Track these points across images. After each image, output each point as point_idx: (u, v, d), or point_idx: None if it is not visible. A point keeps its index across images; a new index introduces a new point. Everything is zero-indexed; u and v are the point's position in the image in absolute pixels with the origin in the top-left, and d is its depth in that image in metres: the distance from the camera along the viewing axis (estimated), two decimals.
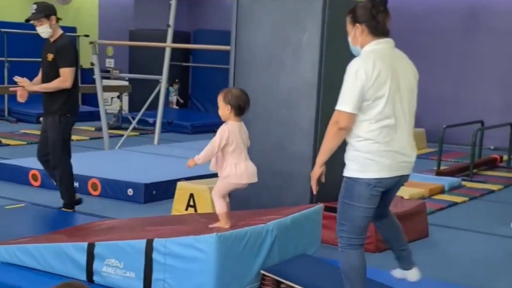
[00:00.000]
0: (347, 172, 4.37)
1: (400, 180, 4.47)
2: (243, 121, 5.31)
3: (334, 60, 6.56)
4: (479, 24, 15.30)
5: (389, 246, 4.92)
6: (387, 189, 4.39)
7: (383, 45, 4.41)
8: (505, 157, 12.64)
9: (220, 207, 5.26)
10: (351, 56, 6.82)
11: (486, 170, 11.86)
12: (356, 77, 4.22)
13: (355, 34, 4.43)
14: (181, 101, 18.40)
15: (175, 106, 18.13)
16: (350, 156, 4.35)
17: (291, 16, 6.60)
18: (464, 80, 15.53)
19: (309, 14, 6.49)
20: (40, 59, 7.60)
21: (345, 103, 4.25)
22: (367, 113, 4.26)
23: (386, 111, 4.25)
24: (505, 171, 11.78)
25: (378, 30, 4.39)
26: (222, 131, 5.21)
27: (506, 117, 13.92)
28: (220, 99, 5.18)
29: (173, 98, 18.20)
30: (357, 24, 4.40)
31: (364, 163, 4.28)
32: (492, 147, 14.38)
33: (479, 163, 11.82)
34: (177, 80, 18.10)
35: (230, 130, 5.18)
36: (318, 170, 4.45)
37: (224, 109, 5.22)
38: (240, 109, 5.20)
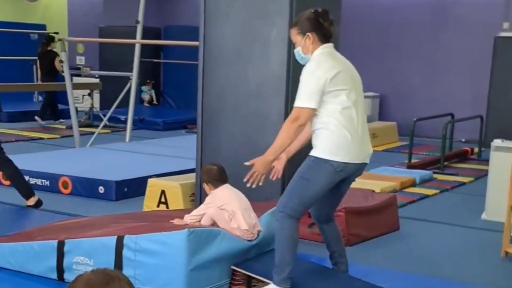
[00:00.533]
0: (317, 152, 4.58)
1: (361, 168, 4.76)
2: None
3: None
4: (448, 17, 15.40)
5: (329, 251, 5.18)
6: (347, 176, 4.68)
7: (330, 48, 4.73)
8: (476, 150, 12.72)
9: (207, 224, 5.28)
10: None
11: (457, 162, 11.94)
12: (313, 75, 4.51)
13: (306, 43, 4.70)
14: (155, 102, 18.31)
15: (146, 104, 18.05)
16: (322, 138, 4.57)
17: (259, 11, 6.60)
18: (434, 73, 15.62)
19: (277, 9, 6.49)
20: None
21: (306, 99, 4.49)
22: (335, 101, 4.53)
23: (348, 103, 4.56)
24: (476, 163, 11.86)
25: (326, 37, 4.70)
26: (208, 197, 5.40)
27: (476, 109, 14.02)
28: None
29: (146, 96, 18.11)
30: (308, 34, 4.67)
31: (336, 146, 4.53)
32: (463, 140, 14.50)
33: (450, 155, 11.90)
34: (148, 81, 18.04)
35: (218, 195, 5.32)
36: (268, 166, 4.67)
37: (206, 189, 5.45)
38: (214, 179, 5.36)
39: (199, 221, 5.27)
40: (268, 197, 6.20)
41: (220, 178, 5.37)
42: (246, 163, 4.74)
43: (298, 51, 4.76)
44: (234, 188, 5.36)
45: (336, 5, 7.18)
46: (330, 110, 4.54)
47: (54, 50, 15.58)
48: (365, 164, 4.80)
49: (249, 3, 6.67)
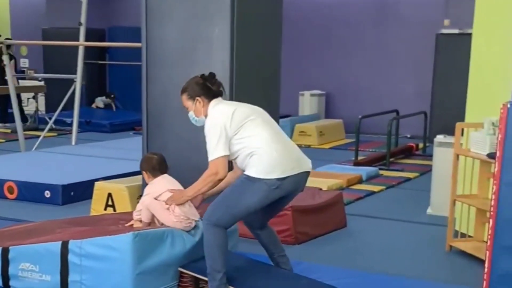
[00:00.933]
0: (250, 172, 4.68)
1: (302, 180, 4.88)
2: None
3: (245, 55, 6.62)
4: (390, 14, 15.56)
5: (268, 253, 5.26)
6: (285, 194, 4.79)
7: (219, 100, 4.93)
8: (421, 145, 12.88)
9: (146, 216, 5.25)
10: (261, 50, 6.92)
11: (403, 158, 12.07)
12: (212, 127, 4.70)
13: (197, 107, 4.93)
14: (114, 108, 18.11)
15: (94, 106, 17.85)
16: (253, 162, 4.69)
17: (201, 11, 6.58)
18: (379, 70, 15.77)
19: (218, 9, 6.48)
20: None
21: (214, 151, 4.68)
22: (247, 135, 4.72)
23: (260, 128, 4.75)
24: (421, 159, 12.00)
25: (215, 96, 4.92)
26: (147, 187, 5.37)
27: (420, 105, 14.18)
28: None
29: (99, 103, 17.87)
30: (197, 98, 4.90)
31: (269, 165, 4.66)
32: (408, 136, 14.66)
33: (395, 151, 12.03)
34: (113, 96, 17.90)
35: (155, 185, 5.28)
36: (184, 201, 5.05)
37: (145, 177, 5.40)
38: (153, 169, 5.31)
39: None
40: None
41: (159, 168, 5.31)
42: (166, 202, 5.08)
43: (191, 115, 4.99)
44: (172, 178, 5.32)
45: (278, 2, 7.20)
46: (248, 143, 4.69)
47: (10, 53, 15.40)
48: (306, 173, 4.86)
49: (190, 4, 6.64)
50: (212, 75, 4.98)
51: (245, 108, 4.87)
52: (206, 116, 4.86)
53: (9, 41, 12.55)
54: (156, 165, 5.31)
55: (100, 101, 17.82)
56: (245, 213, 4.76)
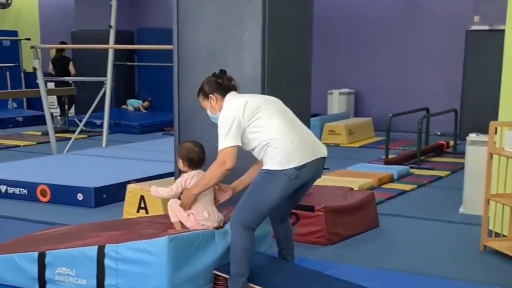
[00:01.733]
0: (268, 166, 4.73)
1: (319, 165, 4.93)
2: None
3: (276, 56, 6.62)
4: (419, 11, 15.49)
5: (279, 248, 5.32)
6: (303, 183, 4.83)
7: (233, 94, 5.01)
8: (451, 143, 12.81)
9: (174, 216, 5.28)
10: (292, 51, 6.92)
11: (433, 156, 12.01)
12: (226, 119, 4.79)
13: (212, 104, 5.03)
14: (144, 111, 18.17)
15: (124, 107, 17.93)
16: (270, 155, 4.73)
17: (232, 14, 6.60)
18: (408, 68, 15.71)
19: (249, 12, 6.49)
20: None
21: (224, 141, 4.74)
22: (261, 126, 4.78)
23: (273, 119, 4.81)
24: (452, 157, 11.94)
25: (227, 91, 5.00)
26: (178, 179, 5.34)
27: (450, 102, 14.10)
28: (201, 100, 5.16)
29: (130, 107, 17.94)
30: (211, 95, 5.01)
31: (285, 156, 4.70)
32: (438, 133, 14.59)
33: (426, 150, 11.97)
34: (149, 99, 18.01)
35: (186, 178, 5.26)
36: (192, 198, 5.11)
37: (179, 163, 5.35)
38: (191, 161, 5.28)
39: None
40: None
41: (198, 162, 5.30)
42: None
43: (209, 113, 5.09)
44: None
45: (308, 2, 7.20)
46: (263, 135, 4.75)
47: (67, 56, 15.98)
48: (323, 159, 4.94)
49: (221, 7, 6.67)
50: (222, 71, 5.09)
51: (257, 99, 4.97)
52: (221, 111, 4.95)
53: (41, 46, 12.62)
54: (196, 159, 5.29)
55: (130, 105, 17.89)
56: (271, 209, 4.80)
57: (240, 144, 4.77)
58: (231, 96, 4.97)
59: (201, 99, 5.10)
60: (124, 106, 17.87)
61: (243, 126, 4.76)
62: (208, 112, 5.08)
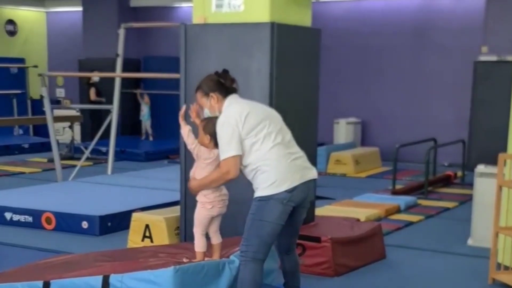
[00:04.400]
0: (260, 193, 4.74)
1: (309, 188, 4.91)
2: None
3: (284, 87, 6.61)
4: (428, 42, 15.50)
5: (285, 279, 5.26)
6: (296, 205, 4.79)
7: (234, 98, 4.98)
8: (459, 173, 12.75)
9: (200, 245, 5.20)
10: (299, 81, 6.91)
11: (441, 187, 11.95)
12: (225, 125, 4.72)
13: (211, 103, 4.99)
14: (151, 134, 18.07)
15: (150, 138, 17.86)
16: (260, 180, 4.74)
17: (240, 44, 6.60)
18: (416, 98, 15.69)
19: (257, 41, 6.50)
20: None
21: (226, 150, 4.71)
22: (256, 145, 4.74)
23: (269, 138, 4.77)
24: (460, 188, 11.88)
25: (228, 93, 4.97)
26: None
27: (458, 133, 14.09)
28: (200, 128, 5.12)
29: (147, 125, 17.89)
30: (211, 94, 4.96)
31: (275, 181, 4.71)
32: (446, 164, 14.53)
33: (433, 180, 11.91)
34: (144, 95, 17.92)
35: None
36: (194, 192, 5.15)
37: (203, 138, 5.14)
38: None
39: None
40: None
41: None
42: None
43: (206, 112, 5.04)
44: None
45: (316, 33, 7.20)
46: (254, 157, 4.74)
47: (92, 82, 16.27)
48: (313, 181, 4.94)
49: (229, 36, 6.67)
50: (225, 71, 5.07)
51: (259, 111, 4.91)
52: (220, 113, 4.91)
53: (49, 73, 12.65)
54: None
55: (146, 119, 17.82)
56: (273, 235, 4.77)
57: (241, 153, 4.75)
58: (232, 100, 4.94)
59: (199, 96, 5.05)
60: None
61: (242, 137, 4.74)
62: (206, 111, 5.04)
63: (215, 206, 5.13)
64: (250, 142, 4.73)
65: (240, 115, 4.75)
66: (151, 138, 17.67)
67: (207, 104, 5.00)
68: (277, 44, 6.48)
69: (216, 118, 4.97)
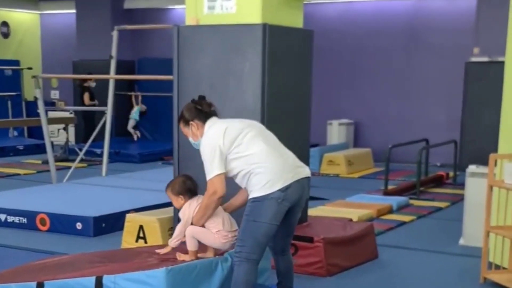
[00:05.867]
0: (254, 194, 4.79)
1: (303, 186, 4.94)
2: None
3: (276, 88, 6.65)
4: (419, 43, 15.55)
5: (278, 279, 5.31)
6: (291, 205, 4.84)
7: (213, 120, 5.05)
8: (451, 174, 12.81)
9: (192, 244, 5.22)
10: (292, 83, 6.95)
11: (433, 187, 12.01)
12: (207, 146, 4.84)
13: (193, 131, 5.08)
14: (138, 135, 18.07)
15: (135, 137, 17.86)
16: (253, 182, 4.80)
17: (232, 46, 6.64)
18: (408, 98, 15.75)
19: (249, 44, 6.54)
20: None
21: (211, 169, 4.79)
22: (241, 154, 4.82)
23: (252, 144, 4.84)
24: (452, 188, 11.93)
25: (207, 117, 5.05)
26: (183, 209, 5.25)
27: (450, 133, 14.15)
28: (169, 195, 5.24)
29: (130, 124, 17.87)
30: (191, 122, 5.06)
31: (268, 181, 4.76)
32: (438, 164, 14.59)
33: (425, 181, 11.97)
34: (136, 95, 17.96)
35: (191, 206, 5.22)
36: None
37: (177, 201, 5.26)
38: (191, 192, 5.24)
39: (183, 240, 5.22)
40: None
41: (194, 189, 5.25)
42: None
43: (190, 140, 5.15)
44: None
45: (308, 34, 7.24)
46: (243, 162, 4.81)
47: (87, 85, 16.21)
48: (307, 178, 4.98)
49: (221, 37, 6.71)
50: (201, 97, 5.16)
51: (237, 124, 4.99)
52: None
53: (43, 75, 12.66)
54: (193, 187, 5.25)
55: (134, 119, 17.79)
56: (268, 236, 4.81)
57: (225, 171, 4.82)
58: (211, 123, 5.01)
59: (182, 126, 5.14)
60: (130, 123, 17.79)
61: (225, 153, 4.81)
62: (190, 139, 5.12)
63: (228, 242, 5.15)
64: (235, 151, 4.81)
65: (218, 132, 4.85)
66: (135, 138, 17.67)
67: (190, 133, 5.10)
68: (269, 45, 6.52)
69: (176, 179, 5.36)
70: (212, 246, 5.18)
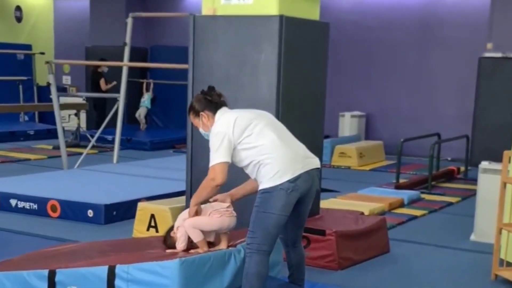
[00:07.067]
0: (264, 185, 4.78)
1: (313, 177, 4.94)
2: None
3: (291, 79, 6.63)
4: (433, 37, 15.49)
5: (289, 272, 5.30)
6: (301, 195, 4.82)
7: (224, 110, 5.02)
8: (462, 169, 12.77)
9: (196, 235, 5.20)
10: (307, 74, 6.92)
11: (444, 182, 11.97)
12: (216, 135, 4.81)
13: (203, 122, 5.04)
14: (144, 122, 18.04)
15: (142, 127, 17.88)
16: (263, 173, 4.79)
17: (248, 36, 6.62)
18: (420, 92, 15.69)
19: (266, 35, 6.52)
20: None
21: (214, 157, 4.77)
22: (251, 144, 4.81)
23: (263, 135, 4.83)
24: (463, 183, 11.89)
25: (218, 107, 5.02)
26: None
27: (462, 128, 14.10)
28: (192, 118, 5.12)
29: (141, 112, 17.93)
30: (201, 113, 5.02)
31: (277, 172, 4.75)
32: (449, 158, 14.55)
33: (437, 175, 11.93)
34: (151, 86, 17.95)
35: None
36: (193, 209, 5.05)
37: (201, 121, 5.07)
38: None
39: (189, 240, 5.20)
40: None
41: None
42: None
43: (201, 131, 5.11)
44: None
45: (324, 27, 7.21)
46: (254, 153, 4.79)
47: (100, 71, 16.30)
48: (316, 169, 4.97)
49: (237, 28, 6.69)
50: (210, 88, 5.12)
51: (248, 114, 4.97)
52: None
53: (56, 61, 12.65)
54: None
55: (145, 106, 17.82)
56: (278, 227, 4.80)
57: (230, 160, 4.80)
58: (221, 113, 4.98)
59: (192, 117, 5.12)
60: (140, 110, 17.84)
61: (234, 143, 4.79)
62: (200, 130, 5.10)
63: (224, 215, 5.12)
64: (245, 141, 4.79)
65: (228, 122, 4.83)
66: (142, 127, 17.66)
67: (200, 124, 5.06)
68: (285, 37, 6.49)
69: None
70: (214, 229, 5.13)
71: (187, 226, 5.13)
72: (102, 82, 16.20)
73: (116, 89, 12.34)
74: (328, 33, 7.26)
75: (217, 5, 6.87)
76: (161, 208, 7.55)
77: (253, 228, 4.79)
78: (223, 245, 5.20)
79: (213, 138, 4.81)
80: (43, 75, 17.30)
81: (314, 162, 4.97)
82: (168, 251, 5.23)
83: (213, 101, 5.02)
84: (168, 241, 5.29)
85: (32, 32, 19.84)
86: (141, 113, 17.62)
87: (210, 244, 5.19)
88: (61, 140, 11.64)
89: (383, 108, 16.18)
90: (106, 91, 15.82)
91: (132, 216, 7.84)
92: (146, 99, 17.61)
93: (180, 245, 5.20)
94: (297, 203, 4.84)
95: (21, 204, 8.73)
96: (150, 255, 5.08)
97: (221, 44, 6.79)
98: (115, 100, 12.13)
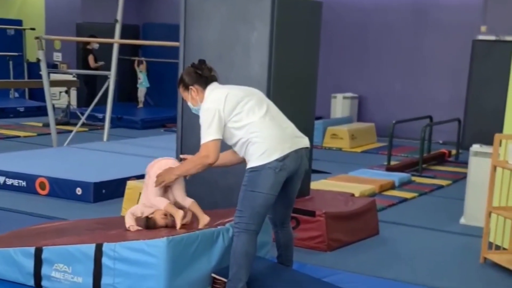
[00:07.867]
0: (252, 163, 4.74)
1: (302, 157, 4.90)
2: None
3: (283, 58, 6.57)
4: (427, 20, 15.43)
5: (278, 252, 5.30)
6: (289, 174, 4.79)
7: (214, 85, 4.97)
8: (453, 152, 12.76)
9: (160, 202, 5.22)
10: (299, 54, 6.86)
11: (435, 165, 11.95)
12: (207, 111, 4.77)
13: (192, 95, 4.99)
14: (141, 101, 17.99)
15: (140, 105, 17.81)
16: (251, 151, 4.74)
17: (240, 15, 6.55)
18: (413, 75, 15.65)
19: (258, 13, 6.45)
20: None
21: (206, 134, 4.73)
22: (241, 121, 4.77)
23: (253, 112, 4.79)
24: (453, 166, 11.88)
25: (208, 82, 4.96)
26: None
27: (454, 112, 14.08)
28: (182, 91, 5.08)
29: (141, 92, 17.83)
30: (191, 87, 4.96)
31: (266, 151, 4.71)
32: (440, 141, 14.53)
33: (428, 158, 11.90)
34: (142, 61, 17.85)
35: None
36: (171, 179, 5.15)
37: (190, 95, 5.02)
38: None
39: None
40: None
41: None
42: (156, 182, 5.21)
43: (190, 105, 5.06)
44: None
45: (317, 7, 7.15)
46: (243, 131, 4.75)
47: (90, 48, 16.24)
48: (305, 149, 4.93)
49: (230, 6, 6.62)
50: (201, 62, 5.07)
51: (238, 91, 4.91)
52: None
53: (46, 37, 12.54)
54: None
55: (144, 86, 17.76)
56: (266, 206, 4.76)
57: (222, 137, 4.77)
58: (212, 88, 4.93)
59: (181, 90, 5.06)
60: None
61: (225, 120, 4.75)
62: (189, 103, 5.04)
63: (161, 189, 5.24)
64: (235, 119, 4.74)
65: (219, 98, 4.78)
66: (140, 105, 17.60)
67: (189, 97, 5.01)
68: (277, 15, 6.43)
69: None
70: (163, 203, 5.23)
71: (142, 204, 5.32)
72: (90, 58, 16.12)
73: (107, 67, 12.24)
74: (321, 13, 7.19)
75: None
76: None
77: (241, 207, 4.75)
78: (202, 220, 5.21)
79: (204, 114, 4.76)
80: (33, 51, 17.17)
81: (303, 141, 4.93)
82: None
83: (203, 75, 4.97)
84: (148, 223, 5.28)
85: (23, 7, 19.70)
86: (142, 92, 17.60)
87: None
88: (51, 118, 11.57)
89: (375, 90, 16.15)
90: (96, 69, 15.72)
91: (121, 194, 7.80)
92: (142, 79, 17.53)
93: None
94: (286, 182, 4.80)
95: (9, 181, 8.68)
96: (138, 233, 5.05)
97: (213, 21, 6.72)
98: (106, 78, 12.06)
